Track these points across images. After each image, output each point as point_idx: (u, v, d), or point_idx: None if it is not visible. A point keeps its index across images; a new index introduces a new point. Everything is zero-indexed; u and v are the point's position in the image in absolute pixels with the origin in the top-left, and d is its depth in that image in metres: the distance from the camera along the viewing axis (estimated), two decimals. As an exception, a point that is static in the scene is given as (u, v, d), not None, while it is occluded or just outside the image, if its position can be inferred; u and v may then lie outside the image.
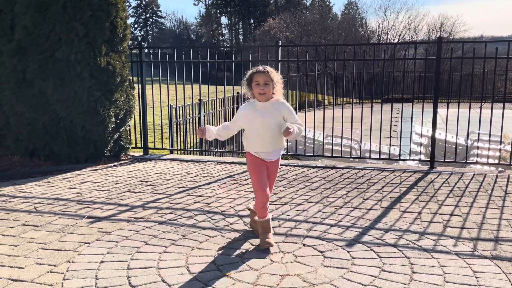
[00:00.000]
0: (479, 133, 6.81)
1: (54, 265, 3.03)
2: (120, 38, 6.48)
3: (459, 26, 42.77)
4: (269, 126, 3.29)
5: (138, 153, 7.43)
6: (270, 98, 3.29)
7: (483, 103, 6.63)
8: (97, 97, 6.09)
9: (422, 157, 7.23)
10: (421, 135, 9.43)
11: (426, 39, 36.24)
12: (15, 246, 3.38)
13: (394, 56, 7.12)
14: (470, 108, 6.23)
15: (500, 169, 6.33)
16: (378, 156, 6.78)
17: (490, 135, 6.48)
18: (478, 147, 6.98)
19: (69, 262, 3.08)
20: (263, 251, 3.23)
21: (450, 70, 8.14)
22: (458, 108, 6.07)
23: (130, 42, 7.03)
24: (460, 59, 6.67)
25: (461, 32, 38.70)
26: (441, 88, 20.40)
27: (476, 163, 7.22)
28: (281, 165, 6.34)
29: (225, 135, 3.55)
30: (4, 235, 3.60)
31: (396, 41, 34.91)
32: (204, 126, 3.44)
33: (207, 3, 65.95)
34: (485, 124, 6.40)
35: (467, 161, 6.87)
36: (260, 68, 3.31)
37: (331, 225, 3.79)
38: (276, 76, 3.29)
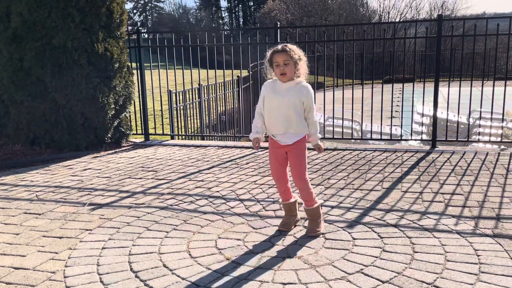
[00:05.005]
0: (481, 111, 6.74)
1: (56, 253, 3.04)
2: (117, 23, 6.42)
3: (461, 3, 42.37)
4: (285, 106, 3.06)
5: (139, 139, 7.42)
6: (292, 78, 3.05)
7: (485, 81, 6.56)
8: (96, 83, 6.06)
9: (424, 136, 7.20)
10: (423, 115, 9.37)
11: (428, 17, 35.85)
12: (17, 234, 3.39)
13: (394, 36, 7.01)
14: (471, 86, 6.16)
15: (502, 146, 6.30)
16: (379, 137, 6.75)
17: (492, 113, 6.42)
18: (480, 125, 6.93)
19: (70, 249, 3.09)
20: (264, 234, 3.23)
21: (451, 48, 8.06)
22: (460, 86, 6.01)
23: (130, 27, 6.97)
24: (461, 37, 6.58)
25: (463, 10, 38.46)
26: (443, 67, 20.20)
27: (478, 141, 7.18)
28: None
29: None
30: (6, 224, 3.61)
31: (397, 20, 34.55)
32: (256, 137, 3.15)
33: (205, -14, 65.17)
34: (487, 102, 6.35)
35: (469, 139, 6.83)
36: (279, 47, 3.05)
37: (332, 207, 3.78)
38: (298, 54, 3.03)
